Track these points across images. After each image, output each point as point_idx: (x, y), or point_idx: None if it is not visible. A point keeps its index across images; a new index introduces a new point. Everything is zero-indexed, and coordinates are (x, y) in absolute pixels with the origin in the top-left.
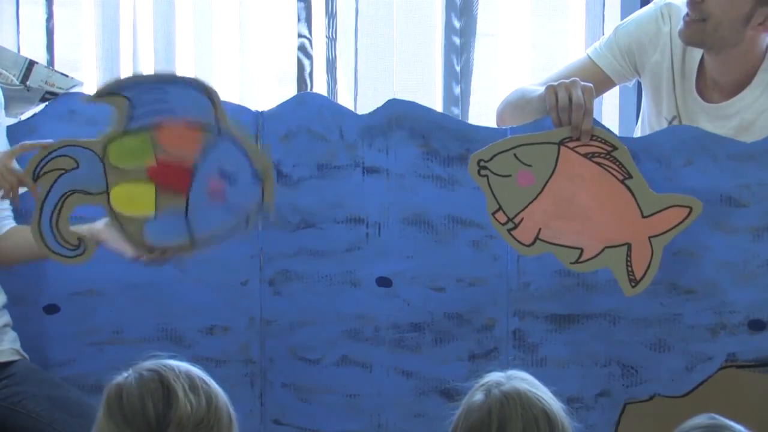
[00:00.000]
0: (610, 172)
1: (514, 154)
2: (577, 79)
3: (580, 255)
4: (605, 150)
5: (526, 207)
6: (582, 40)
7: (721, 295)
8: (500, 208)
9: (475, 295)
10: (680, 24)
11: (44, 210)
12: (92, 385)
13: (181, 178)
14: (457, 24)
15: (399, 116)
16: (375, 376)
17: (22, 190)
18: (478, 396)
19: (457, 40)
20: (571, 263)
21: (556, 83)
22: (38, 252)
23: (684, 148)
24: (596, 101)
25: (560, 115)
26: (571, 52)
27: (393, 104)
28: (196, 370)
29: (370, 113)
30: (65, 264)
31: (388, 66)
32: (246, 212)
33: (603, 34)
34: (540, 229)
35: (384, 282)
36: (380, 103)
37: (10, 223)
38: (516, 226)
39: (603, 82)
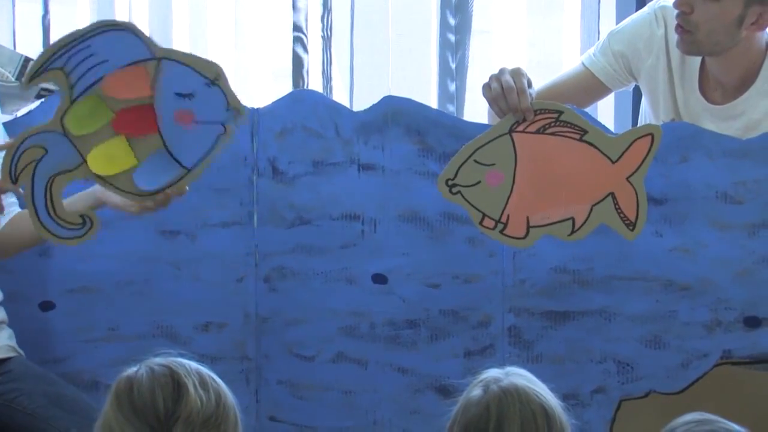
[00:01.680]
0: (565, 136)
1: (475, 160)
2: (504, 67)
3: (574, 224)
4: (552, 118)
5: (507, 203)
6: (577, 37)
7: (716, 291)
8: (484, 215)
9: (470, 292)
10: (676, 35)
11: (37, 205)
12: (88, 382)
13: (146, 118)
14: (452, 21)
15: (394, 113)
16: (370, 373)
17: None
18: (477, 392)
19: (452, 37)
20: (568, 236)
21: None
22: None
23: (679, 145)
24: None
25: (499, 105)
26: (567, 49)
27: (388, 101)
28: (205, 369)
29: (365, 110)
30: (80, 243)
31: (384, 63)
32: (219, 121)
33: (598, 31)
34: (528, 218)
35: (379, 279)
36: (376, 100)
37: (16, 210)
38: (506, 225)
39: (598, 90)
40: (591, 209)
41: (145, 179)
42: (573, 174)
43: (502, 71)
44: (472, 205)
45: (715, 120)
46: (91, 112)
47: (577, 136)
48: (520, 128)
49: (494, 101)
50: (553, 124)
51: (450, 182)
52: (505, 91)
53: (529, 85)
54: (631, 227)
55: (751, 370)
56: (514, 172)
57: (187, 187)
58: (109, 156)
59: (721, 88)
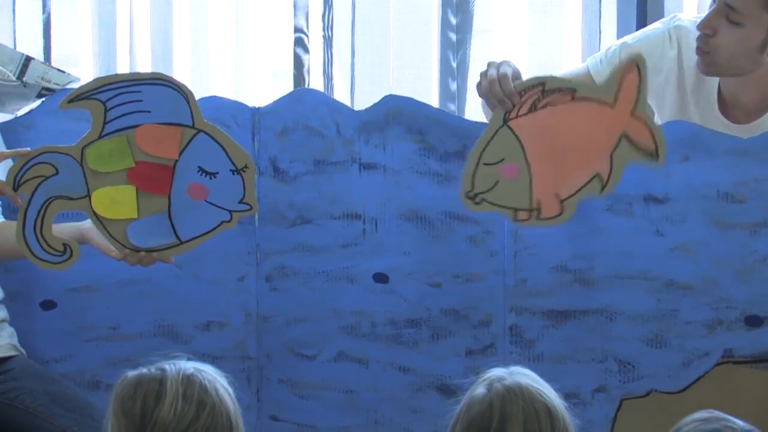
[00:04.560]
0: (558, 103)
1: (484, 163)
2: (491, 61)
3: (602, 180)
4: (538, 92)
5: (532, 189)
6: (578, 36)
7: (718, 290)
8: (515, 209)
9: (471, 291)
10: (696, 58)
11: (27, 218)
12: (89, 381)
13: (162, 179)
14: (453, 20)
15: (396, 112)
16: (372, 372)
17: None
18: (480, 390)
19: (453, 37)
20: (601, 191)
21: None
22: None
23: (681, 145)
24: None
25: (489, 99)
26: (568, 48)
27: (390, 100)
28: (204, 377)
29: (366, 109)
30: (51, 270)
31: (385, 62)
32: (229, 209)
33: (599, 31)
34: (557, 194)
35: (381, 278)
36: (377, 99)
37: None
38: (540, 211)
39: None
40: (611, 158)
41: (137, 235)
42: (580, 134)
43: (488, 65)
44: (500, 206)
45: None
46: (114, 154)
47: (569, 97)
48: (513, 114)
49: (485, 97)
50: (541, 98)
51: (470, 194)
52: (489, 84)
53: (516, 76)
54: (655, 157)
55: (753, 369)
56: (526, 157)
57: (173, 258)
58: (114, 200)
59: (740, 107)
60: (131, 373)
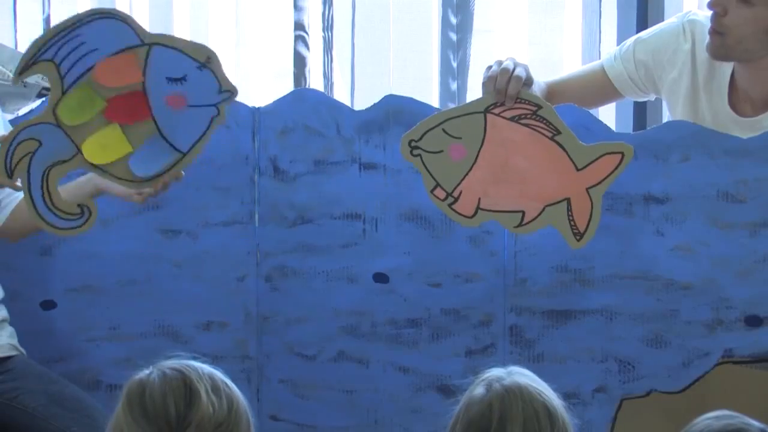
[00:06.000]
0: (538, 131)
1: (443, 129)
2: (512, 57)
3: (522, 218)
4: (530, 111)
5: (463, 179)
6: (578, 36)
7: (717, 290)
8: (438, 185)
9: (471, 291)
10: (707, 39)
11: (34, 197)
12: (89, 381)
13: (138, 105)
14: (453, 20)
15: (396, 112)
16: (372, 372)
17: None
18: (479, 390)
19: (453, 37)
20: (514, 227)
21: None
22: None
23: (681, 144)
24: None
25: (489, 86)
26: (568, 48)
27: (390, 100)
28: (218, 373)
29: (367, 109)
30: (78, 234)
31: (385, 62)
32: (213, 103)
33: (600, 30)
34: (479, 199)
35: (381, 278)
36: (377, 99)
37: (19, 196)
38: (456, 200)
39: (610, 93)
40: (543, 208)
41: (141, 166)
42: (535, 169)
43: (508, 58)
44: (429, 172)
45: (744, 132)
46: (83, 102)
47: (549, 135)
48: (496, 111)
49: (488, 81)
50: (528, 116)
51: (413, 143)
52: (499, 73)
53: (529, 83)
54: (578, 237)
55: (753, 369)
56: (478, 151)
57: (183, 171)
58: (104, 144)
59: (750, 100)
60: (142, 378)
